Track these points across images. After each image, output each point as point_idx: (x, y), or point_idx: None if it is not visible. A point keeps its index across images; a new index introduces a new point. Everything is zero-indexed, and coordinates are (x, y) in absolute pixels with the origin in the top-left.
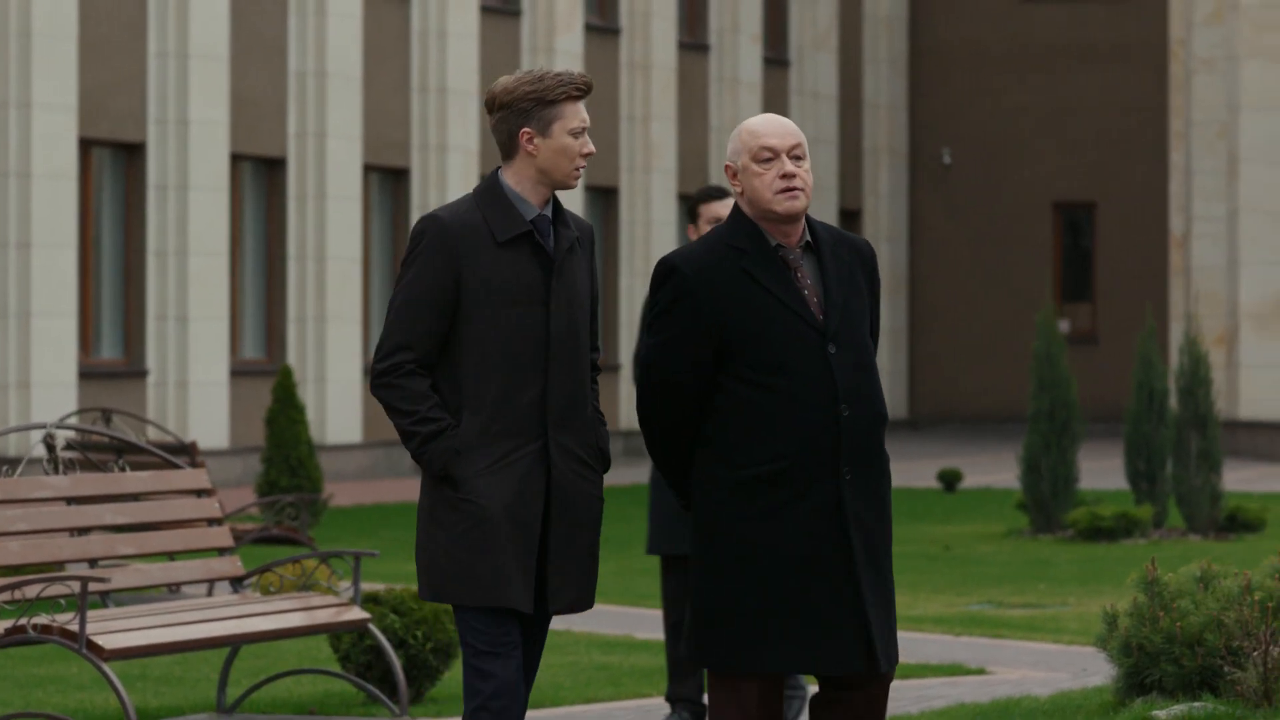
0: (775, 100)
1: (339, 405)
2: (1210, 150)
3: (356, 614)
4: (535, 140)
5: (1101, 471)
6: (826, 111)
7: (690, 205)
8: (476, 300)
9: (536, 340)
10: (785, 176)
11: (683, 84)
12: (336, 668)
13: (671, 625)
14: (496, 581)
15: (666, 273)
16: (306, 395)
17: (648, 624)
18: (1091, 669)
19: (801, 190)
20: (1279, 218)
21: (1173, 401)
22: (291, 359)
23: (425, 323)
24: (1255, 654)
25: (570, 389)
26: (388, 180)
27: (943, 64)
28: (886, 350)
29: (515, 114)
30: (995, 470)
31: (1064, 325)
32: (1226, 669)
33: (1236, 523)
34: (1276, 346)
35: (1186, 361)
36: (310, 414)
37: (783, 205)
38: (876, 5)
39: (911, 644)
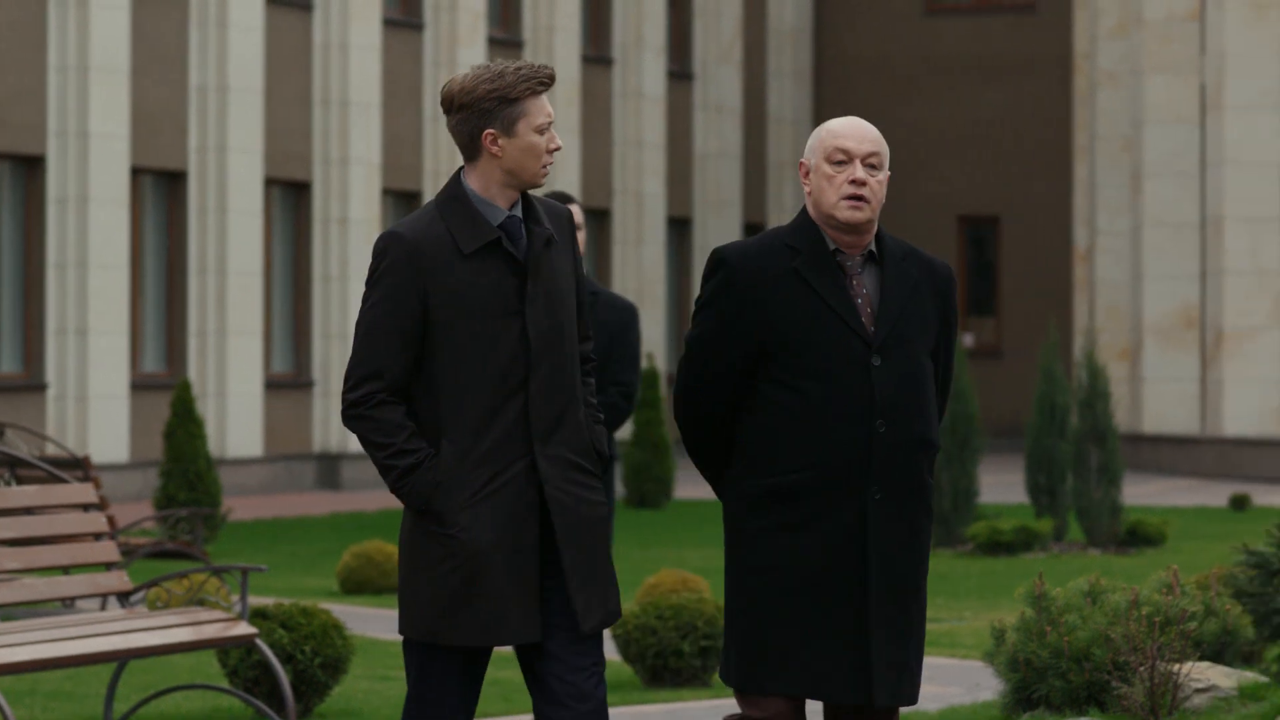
0: (679, 114)
1: (240, 419)
2: (1114, 164)
3: (244, 629)
4: (500, 141)
5: (1003, 485)
6: (730, 125)
7: None
8: (447, 318)
9: (515, 352)
10: (855, 183)
11: (586, 97)
12: (225, 683)
13: None
14: (498, 618)
15: (715, 264)
16: (207, 409)
17: None
18: (984, 684)
19: (868, 201)
20: (1182, 232)
21: (1074, 415)
22: (192, 373)
23: (393, 348)
24: (1142, 669)
25: (557, 396)
26: (289, 193)
27: (847, 77)
28: None
29: (476, 114)
30: None
31: (968, 339)
32: (1113, 684)
33: (1137, 536)
34: (1179, 361)
35: (1086, 375)
36: (211, 428)
37: (845, 213)
38: (781, 19)
39: None
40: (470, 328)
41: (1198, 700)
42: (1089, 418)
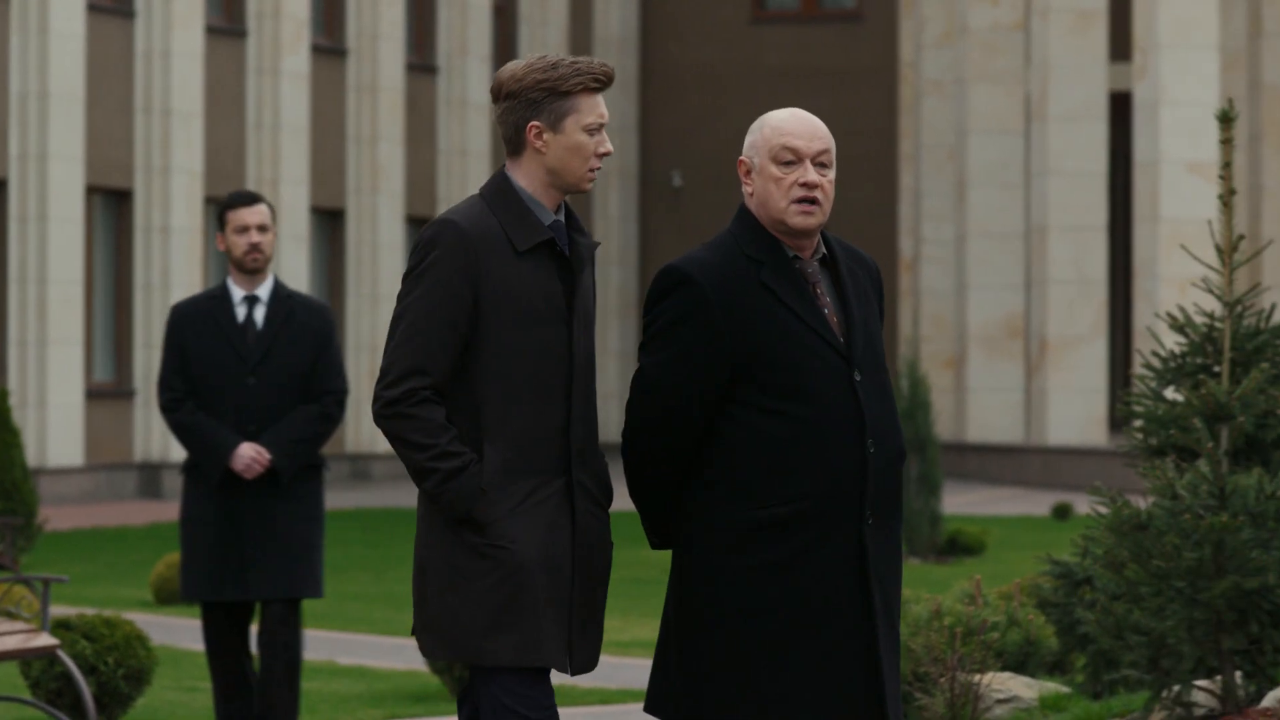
0: None
1: (60, 428)
2: (939, 173)
3: (45, 640)
4: (544, 136)
5: None
6: None
7: (218, 211)
8: (497, 318)
9: (560, 362)
10: (805, 185)
11: (410, 106)
12: (27, 694)
13: (219, 684)
14: (538, 637)
15: (676, 282)
16: (27, 418)
17: (350, 649)
18: None
19: (820, 204)
20: (1007, 241)
21: None
22: (12, 382)
23: (442, 343)
24: (943, 679)
25: (589, 419)
26: (111, 202)
27: (673, 85)
28: (615, 373)
29: (523, 105)
30: None
31: None
32: (914, 694)
33: (957, 546)
34: (1004, 370)
35: (907, 386)
36: (31, 437)
37: (796, 219)
38: (607, 26)
39: (619, 669)
40: (520, 330)
41: (999, 711)
42: (909, 428)
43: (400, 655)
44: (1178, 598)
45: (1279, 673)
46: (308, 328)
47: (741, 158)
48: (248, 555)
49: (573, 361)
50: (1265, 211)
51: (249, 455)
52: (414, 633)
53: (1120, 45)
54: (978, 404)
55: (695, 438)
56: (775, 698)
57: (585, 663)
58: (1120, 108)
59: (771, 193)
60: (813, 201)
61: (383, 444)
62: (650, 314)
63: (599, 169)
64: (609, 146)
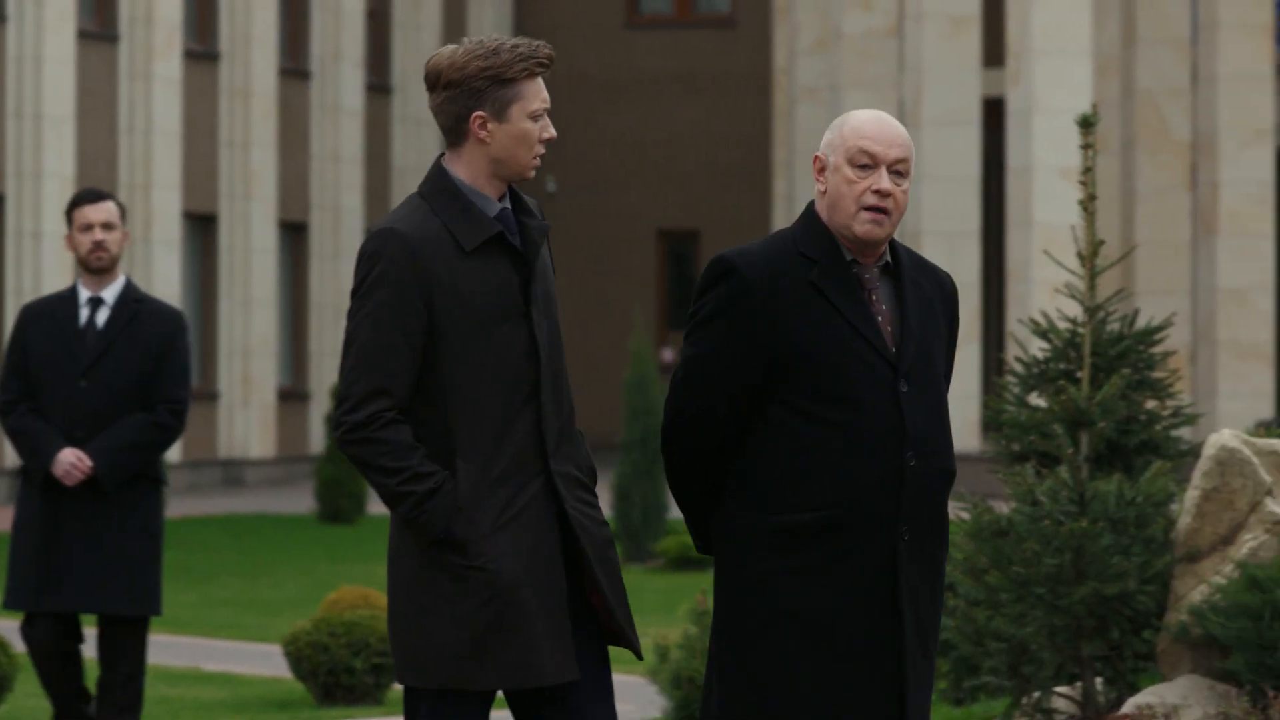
0: (378, 127)
1: None
2: (812, 180)
3: None
4: (489, 125)
5: None
6: (431, 138)
7: (65, 210)
8: (453, 324)
9: (524, 358)
10: (878, 193)
11: (283, 111)
12: None
13: (50, 696)
14: (531, 655)
15: (721, 273)
16: None
17: (216, 655)
18: (655, 701)
19: (889, 215)
20: None
21: None
22: None
23: (399, 361)
24: None
25: (562, 408)
26: None
27: (548, 89)
28: None
29: (465, 94)
30: None
31: (668, 354)
32: None
33: None
34: None
35: None
36: None
37: (863, 227)
38: (481, 30)
39: None
40: (479, 333)
41: None
42: None
43: (266, 662)
44: (1038, 604)
45: (1139, 679)
46: (151, 333)
47: (817, 154)
48: (66, 565)
49: (537, 354)
50: (1138, 217)
51: (68, 461)
52: (397, 675)
53: (994, 51)
54: None
55: (729, 435)
56: (785, 711)
57: (633, 644)
58: (993, 113)
59: (843, 195)
60: (883, 211)
61: (255, 449)
62: (695, 304)
63: (542, 154)
64: (552, 131)
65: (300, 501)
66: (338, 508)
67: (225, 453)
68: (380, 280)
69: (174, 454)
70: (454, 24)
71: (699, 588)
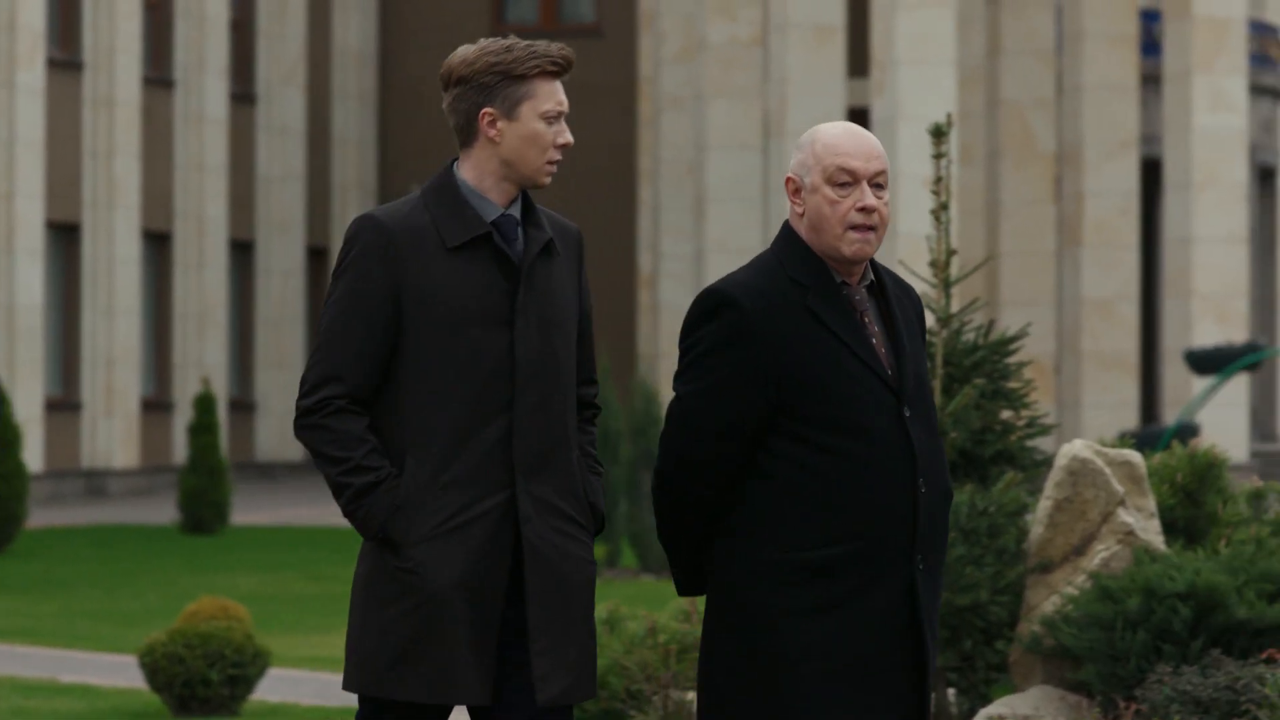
0: (242, 136)
1: None
2: (678, 189)
3: None
4: (499, 124)
5: None
6: (294, 147)
7: None
8: (423, 319)
9: (499, 368)
10: (864, 210)
11: (147, 120)
12: None
13: None
14: (451, 671)
15: (717, 305)
16: None
17: (74, 666)
18: None
19: (876, 230)
20: (746, 257)
21: (628, 441)
22: None
23: (358, 346)
24: (656, 697)
25: (546, 428)
26: None
27: (412, 99)
28: None
29: (475, 90)
30: None
31: None
32: (629, 712)
33: None
34: None
35: (639, 402)
36: None
37: (851, 247)
38: (345, 40)
39: None
40: (447, 332)
41: None
42: (641, 444)
43: (124, 673)
44: None
45: (992, 690)
46: None
47: (789, 175)
48: None
49: (515, 365)
50: (1004, 228)
51: None
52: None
53: (858, 61)
54: None
55: (734, 473)
56: None
57: (568, 689)
58: (859, 123)
59: (825, 216)
60: (870, 228)
61: (118, 459)
62: (688, 340)
63: (559, 161)
64: (569, 137)
65: (163, 512)
66: (200, 518)
67: (88, 463)
68: (351, 265)
69: (36, 464)
70: (319, 33)
71: None
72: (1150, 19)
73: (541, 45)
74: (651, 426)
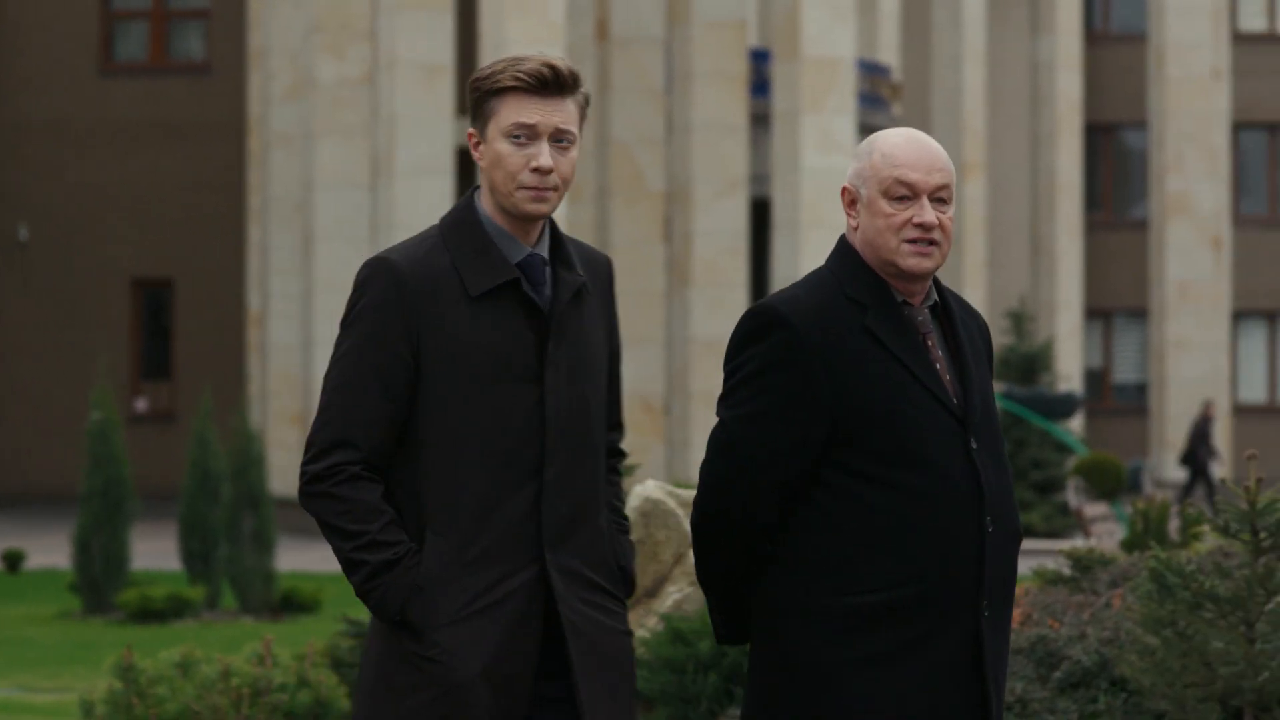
0: None
1: None
2: (287, 227)
3: None
4: (480, 146)
5: (160, 552)
6: None
7: None
8: (444, 376)
9: (528, 428)
10: (921, 226)
11: None
12: None
13: None
14: None
15: (767, 324)
16: None
17: None
18: None
19: (939, 245)
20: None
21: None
22: None
23: (372, 408)
24: None
25: (577, 492)
26: None
27: (20, 137)
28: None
29: (471, 110)
30: (60, 550)
31: (142, 404)
32: None
33: (291, 603)
34: None
35: (240, 442)
36: None
37: (909, 261)
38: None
39: None
40: (471, 391)
41: None
42: (242, 484)
43: None
44: None
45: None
46: None
47: (845, 185)
48: None
49: (545, 425)
50: (615, 267)
51: None
52: None
53: (466, 100)
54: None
55: (782, 508)
56: None
57: None
58: (468, 162)
59: (881, 231)
60: (930, 242)
61: None
62: (734, 361)
63: (541, 189)
64: (544, 161)
65: None
66: None
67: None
68: (362, 316)
69: None
70: None
71: (161, 639)
72: (760, 59)
73: (527, 57)
74: (252, 467)
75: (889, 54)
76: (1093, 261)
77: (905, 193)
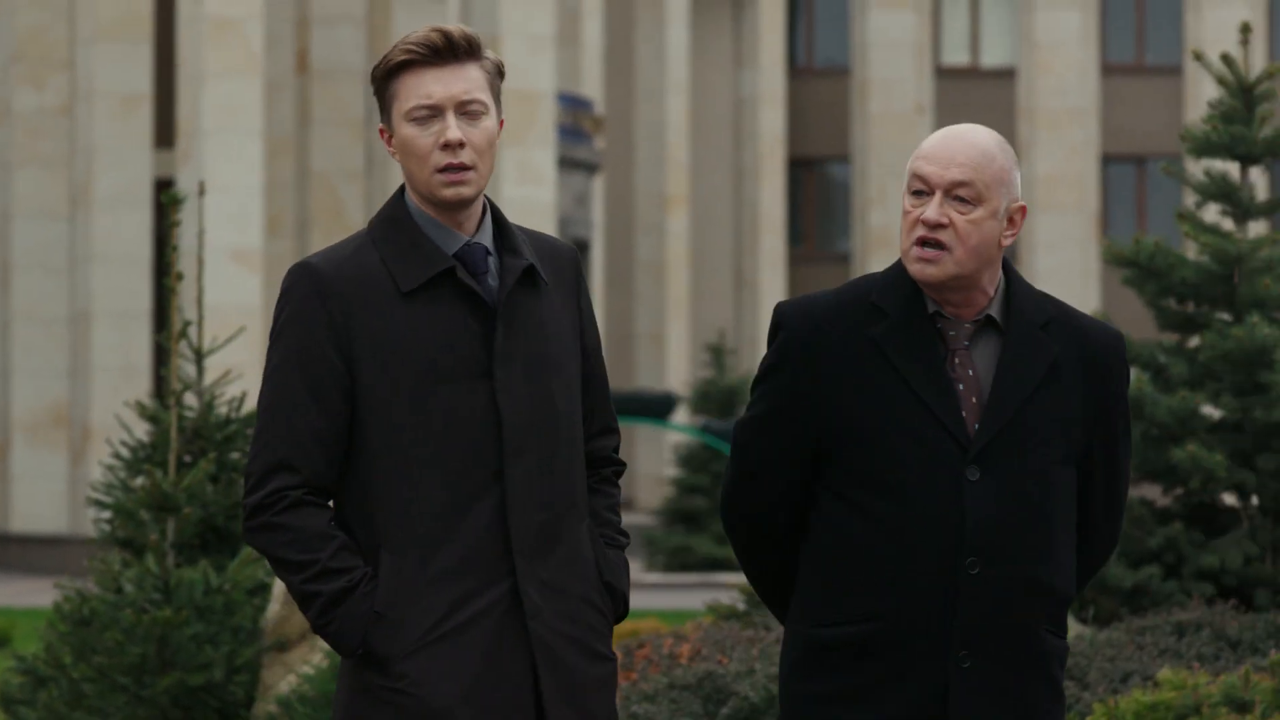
0: None
1: None
2: None
3: None
4: (392, 140)
5: None
6: None
7: None
8: (382, 380)
9: (482, 430)
10: (925, 223)
11: None
12: None
13: None
14: None
15: (774, 324)
16: None
17: None
18: None
19: (948, 250)
20: (52, 327)
21: None
22: None
23: (308, 427)
24: None
25: (549, 499)
26: None
27: None
28: None
29: (378, 103)
30: None
31: None
32: None
33: None
34: (48, 458)
35: None
36: None
37: (913, 266)
38: None
39: None
40: (415, 393)
41: None
42: None
43: None
44: (122, 694)
45: None
46: None
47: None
48: None
49: (501, 425)
50: None
51: None
52: None
53: (166, 131)
54: (22, 493)
55: (781, 515)
56: None
57: None
58: (162, 191)
59: (901, 230)
60: (937, 245)
61: None
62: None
63: (456, 168)
64: (452, 135)
65: None
66: None
67: None
68: (286, 327)
69: None
70: None
71: None
72: None
73: (419, 31)
74: None
75: (593, 87)
76: (795, 295)
77: (921, 187)
